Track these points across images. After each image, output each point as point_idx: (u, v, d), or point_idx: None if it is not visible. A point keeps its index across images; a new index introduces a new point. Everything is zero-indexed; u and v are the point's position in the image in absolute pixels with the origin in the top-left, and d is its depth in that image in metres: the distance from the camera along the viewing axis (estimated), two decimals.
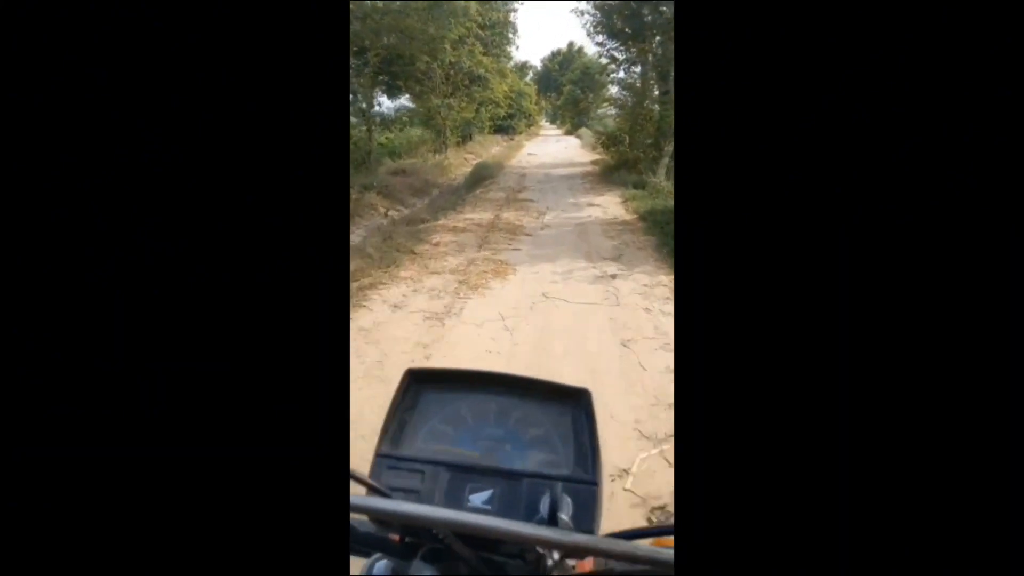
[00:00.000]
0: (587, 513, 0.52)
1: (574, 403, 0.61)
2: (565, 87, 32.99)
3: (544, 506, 0.49)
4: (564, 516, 0.48)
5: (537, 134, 34.44)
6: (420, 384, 0.64)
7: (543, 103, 49.83)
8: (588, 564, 0.55)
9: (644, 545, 0.39)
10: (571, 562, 0.50)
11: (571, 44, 45.98)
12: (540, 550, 0.44)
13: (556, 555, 0.44)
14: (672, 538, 0.41)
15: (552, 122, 51.89)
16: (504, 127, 27.16)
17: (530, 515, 0.51)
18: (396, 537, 0.51)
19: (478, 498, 0.54)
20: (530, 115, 34.88)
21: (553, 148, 20.22)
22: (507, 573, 0.47)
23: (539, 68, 50.13)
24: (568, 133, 33.12)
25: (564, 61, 45.47)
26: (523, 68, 41.27)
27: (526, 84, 32.08)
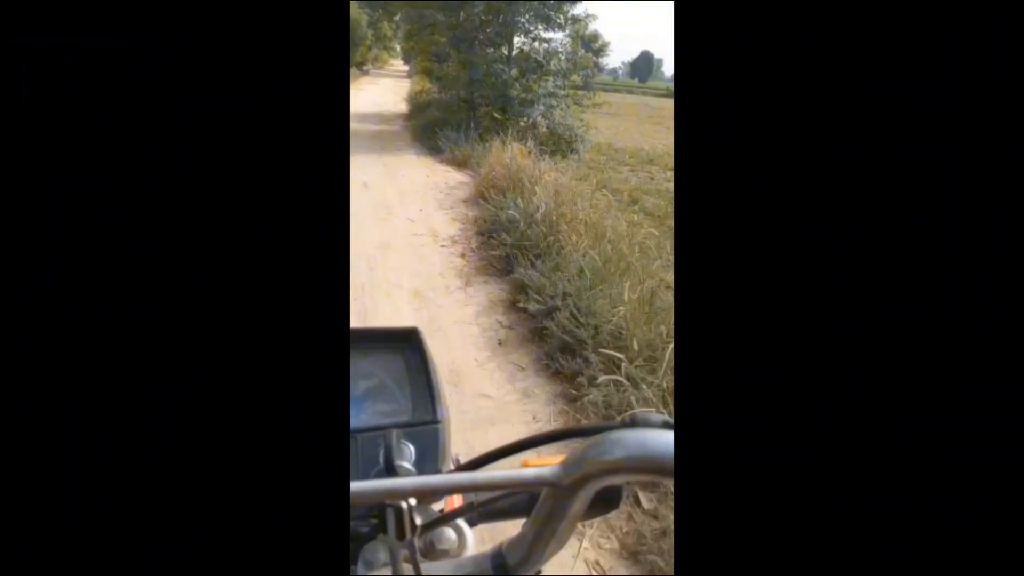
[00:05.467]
0: (433, 453, 0.54)
1: (404, 344, 0.62)
2: None
3: (380, 458, 0.50)
4: (404, 463, 0.50)
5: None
6: None
7: (385, 27, 29.20)
8: (457, 499, 0.55)
9: (493, 472, 0.41)
10: (438, 506, 0.50)
11: None
12: (388, 503, 0.43)
13: (411, 502, 0.43)
14: (527, 455, 0.43)
15: (407, 61, 31.61)
16: None
17: (367, 471, 0.51)
18: None
19: None
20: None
21: None
22: (360, 533, 0.47)
23: None
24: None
25: None
26: None
27: None
